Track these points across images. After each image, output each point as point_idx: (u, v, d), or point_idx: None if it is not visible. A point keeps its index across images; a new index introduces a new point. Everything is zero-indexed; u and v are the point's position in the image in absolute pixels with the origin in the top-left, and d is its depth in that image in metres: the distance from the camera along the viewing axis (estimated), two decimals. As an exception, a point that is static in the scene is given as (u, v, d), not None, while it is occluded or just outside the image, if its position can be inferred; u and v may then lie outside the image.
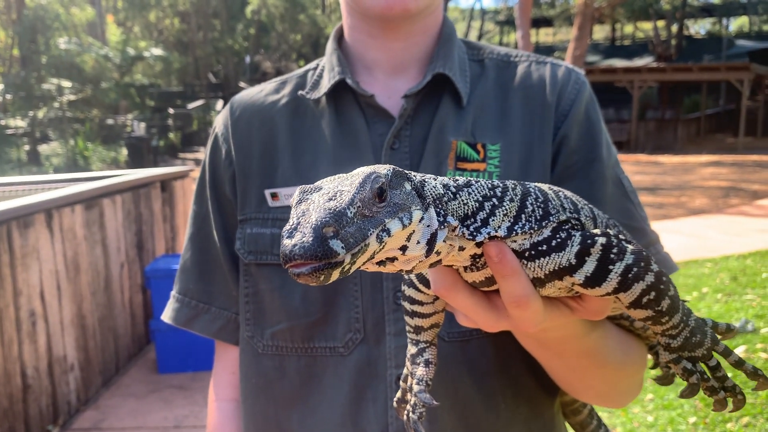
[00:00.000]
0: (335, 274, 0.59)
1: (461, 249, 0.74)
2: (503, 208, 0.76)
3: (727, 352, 0.82)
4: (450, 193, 0.74)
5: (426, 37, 1.27)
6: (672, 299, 0.76)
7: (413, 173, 0.73)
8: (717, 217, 11.74)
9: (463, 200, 0.74)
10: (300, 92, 1.28)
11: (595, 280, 0.74)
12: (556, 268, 0.76)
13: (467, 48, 1.31)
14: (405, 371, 0.97)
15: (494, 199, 0.76)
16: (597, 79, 26.07)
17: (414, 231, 0.67)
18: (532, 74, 1.26)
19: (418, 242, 0.68)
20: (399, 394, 0.98)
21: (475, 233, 0.73)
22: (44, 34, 20.97)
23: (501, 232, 0.75)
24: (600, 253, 0.74)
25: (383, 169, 0.67)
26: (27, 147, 20.90)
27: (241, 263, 1.25)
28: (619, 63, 29.62)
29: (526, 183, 0.82)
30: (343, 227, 0.59)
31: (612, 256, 0.74)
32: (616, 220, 1.04)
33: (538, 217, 0.77)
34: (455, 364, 1.16)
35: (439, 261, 0.74)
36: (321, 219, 0.59)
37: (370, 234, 0.61)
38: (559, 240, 0.76)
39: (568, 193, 0.87)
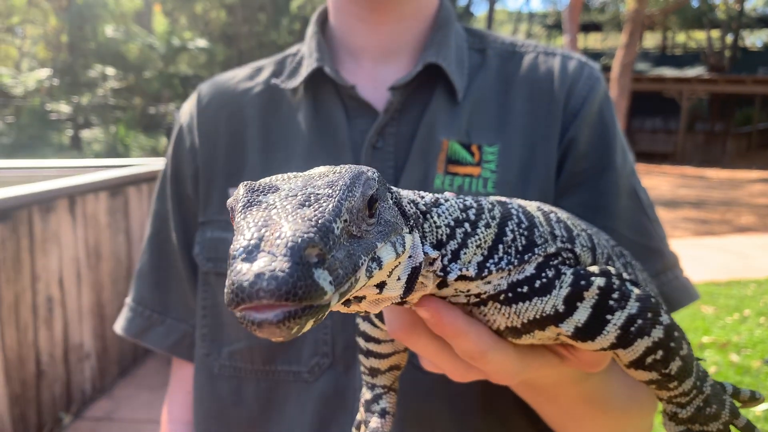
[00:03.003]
0: (310, 324, 0.40)
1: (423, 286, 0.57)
2: (476, 236, 0.59)
3: (749, 428, 0.65)
4: (419, 212, 0.57)
5: (418, 20, 1.11)
6: (684, 360, 0.60)
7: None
8: (764, 236, 11.26)
9: (434, 222, 0.57)
10: (274, 80, 1.13)
11: (588, 332, 0.58)
12: (538, 316, 0.59)
13: (468, 35, 1.15)
14: (359, 417, 0.83)
15: (466, 224, 0.59)
16: (645, 88, 25.51)
17: (399, 263, 0.49)
18: (539, 66, 1.10)
19: (399, 278, 0.51)
20: None
21: (447, 269, 0.56)
22: (92, 22, 21.38)
23: (471, 271, 0.57)
24: (596, 298, 0.58)
25: (367, 170, 0.48)
26: (70, 132, 21.34)
27: (199, 271, 1.11)
28: (669, 72, 28.88)
29: (509, 202, 0.65)
30: (329, 250, 0.40)
31: (611, 302, 0.58)
32: (628, 238, 0.87)
33: (520, 249, 0.61)
34: (434, 400, 1.00)
35: (404, 302, 0.58)
36: (300, 233, 0.39)
37: (362, 264, 0.43)
38: (544, 280, 0.59)
39: (563, 215, 0.70)
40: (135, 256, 5.41)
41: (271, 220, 0.41)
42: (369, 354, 0.79)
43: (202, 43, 21.39)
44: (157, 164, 6.36)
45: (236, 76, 1.20)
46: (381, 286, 0.50)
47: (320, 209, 0.42)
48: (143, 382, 5.11)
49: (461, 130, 1.04)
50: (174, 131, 1.21)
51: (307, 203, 0.43)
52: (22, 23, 32.22)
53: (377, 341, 0.77)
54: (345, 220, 0.43)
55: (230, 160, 1.10)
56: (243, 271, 0.37)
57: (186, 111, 1.20)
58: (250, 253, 0.38)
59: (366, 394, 0.82)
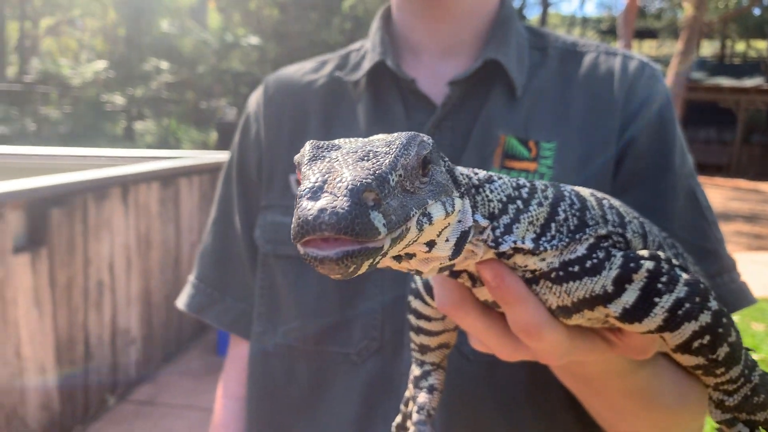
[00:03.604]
0: (366, 266, 0.43)
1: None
2: (529, 213, 0.60)
3: None
4: (473, 185, 0.59)
5: (477, 19, 1.13)
6: (732, 347, 0.60)
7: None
8: (820, 254, 10.87)
9: (486, 197, 0.59)
10: (337, 73, 1.17)
11: (635, 313, 0.59)
12: (588, 295, 0.60)
13: (529, 34, 1.16)
14: (407, 394, 0.85)
15: (519, 201, 0.61)
16: (700, 97, 24.89)
17: (449, 224, 0.52)
18: (600, 66, 1.10)
19: (447, 240, 0.53)
20: (399, 418, 0.85)
21: (499, 240, 0.59)
22: (149, 16, 21.92)
23: (527, 245, 0.59)
24: (645, 281, 0.58)
25: (423, 135, 0.52)
26: (123, 123, 21.93)
27: (259, 253, 1.15)
28: (725, 82, 28.10)
29: (562, 185, 0.66)
30: (385, 197, 0.44)
31: (659, 286, 0.58)
32: (684, 239, 0.87)
33: (572, 228, 0.62)
34: (479, 390, 1.01)
35: (452, 266, 0.60)
36: (360, 179, 0.42)
37: (413, 215, 0.46)
38: (595, 260, 0.60)
39: (615, 203, 0.71)
40: (183, 245, 5.54)
41: (334, 169, 0.45)
42: (419, 331, 0.81)
43: (254, 40, 21.70)
44: (207, 157, 6.49)
45: (302, 68, 1.24)
46: (431, 244, 0.52)
47: (378, 162, 0.45)
48: (186, 369, 5.22)
49: (519, 125, 1.05)
50: (241, 120, 1.26)
51: (365, 158, 0.46)
52: (82, 16, 33.25)
53: (428, 319, 0.79)
54: (400, 175, 0.46)
55: (293, 147, 1.14)
56: (308, 207, 0.41)
57: (253, 101, 1.24)
58: (315, 193, 0.42)
59: (415, 371, 0.84)
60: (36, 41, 33.92)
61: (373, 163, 0.45)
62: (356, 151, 0.47)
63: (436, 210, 0.49)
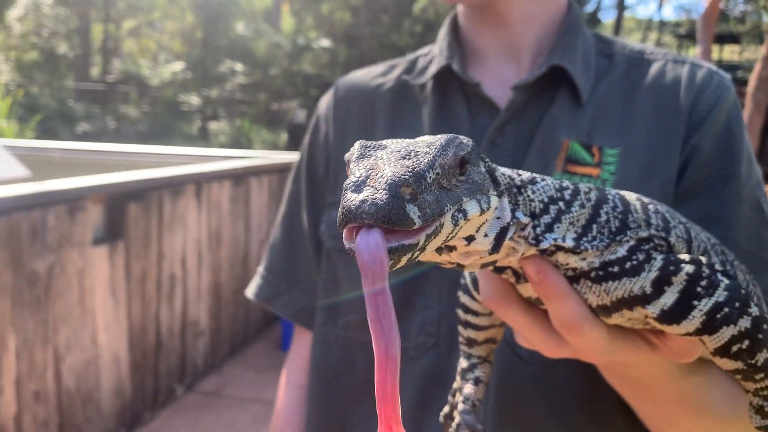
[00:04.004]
0: (404, 260, 0.47)
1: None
2: (570, 214, 0.63)
3: None
4: (515, 186, 0.61)
5: (538, 24, 1.14)
6: None
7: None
8: None
9: (528, 197, 0.62)
10: (404, 77, 1.20)
11: (673, 315, 0.60)
12: (626, 295, 0.62)
13: (597, 41, 1.16)
14: (455, 385, 0.87)
15: (561, 203, 0.63)
16: (784, 105, 23.70)
17: (486, 220, 0.55)
18: (666, 74, 1.09)
19: (486, 235, 0.56)
20: (446, 408, 0.88)
21: (540, 238, 0.61)
22: (225, 19, 22.63)
23: (568, 243, 0.61)
24: (684, 284, 0.59)
25: (463, 138, 0.55)
26: (198, 123, 22.69)
27: (323, 247, 1.19)
28: (813, 89, 26.70)
29: (607, 189, 0.68)
30: (421, 192, 0.47)
31: (699, 289, 0.59)
32: (747, 250, 0.87)
33: (613, 230, 0.63)
34: (534, 391, 1.02)
35: (494, 262, 0.62)
36: (399, 175, 0.46)
37: (447, 210, 0.49)
38: (634, 262, 0.62)
39: (662, 208, 0.71)
40: (252, 242, 5.69)
41: (377, 166, 0.49)
42: (467, 325, 0.83)
43: (325, 43, 22.06)
44: (276, 158, 6.64)
45: (371, 72, 1.28)
46: (469, 239, 0.55)
47: (417, 161, 0.49)
48: (251, 363, 5.36)
49: (583, 131, 1.05)
50: (312, 121, 1.31)
51: (407, 157, 0.50)
52: (161, 19, 34.56)
53: (475, 314, 0.82)
54: (437, 173, 0.50)
55: None
56: (351, 198, 0.46)
57: (324, 103, 1.29)
58: (358, 187, 0.46)
59: (462, 363, 0.86)
60: (118, 43, 35.45)
61: (413, 162, 0.49)
62: (399, 151, 0.51)
63: (471, 207, 0.52)
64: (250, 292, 1.32)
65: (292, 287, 1.27)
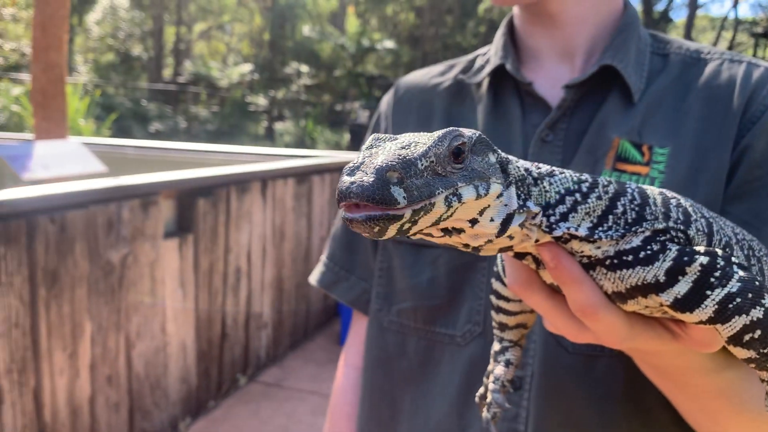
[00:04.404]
0: (392, 230, 0.53)
1: (536, 240, 0.66)
2: (586, 205, 0.66)
3: None
4: (531, 177, 0.66)
5: (590, 25, 1.15)
6: None
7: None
8: None
9: (544, 188, 0.66)
10: (461, 76, 1.24)
11: (686, 303, 0.62)
12: (640, 283, 0.64)
13: (653, 40, 1.17)
14: (489, 367, 0.91)
15: (577, 194, 0.66)
16: None
17: (489, 206, 0.60)
18: (722, 73, 1.08)
19: (492, 219, 0.60)
20: (482, 389, 0.91)
21: (553, 226, 0.65)
22: (292, 21, 23.10)
23: (581, 232, 0.65)
24: (698, 274, 0.62)
25: (465, 130, 0.60)
26: (265, 123, 23.23)
27: None
28: None
29: (627, 183, 0.70)
30: (409, 177, 0.53)
31: (712, 280, 0.61)
32: None
33: (629, 221, 0.66)
34: (575, 380, 1.04)
35: (510, 247, 0.67)
36: (387, 162, 0.53)
37: (438, 193, 0.55)
38: (649, 252, 0.64)
39: (686, 203, 0.73)
40: (314, 238, 5.82)
41: (375, 154, 0.55)
42: (499, 310, 0.87)
43: (389, 44, 22.20)
44: (339, 157, 6.76)
45: (430, 72, 1.32)
46: (473, 221, 0.60)
47: (412, 151, 0.55)
48: (311, 356, 5.48)
49: (634, 129, 1.06)
50: (373, 119, 1.37)
51: (406, 147, 0.56)
52: (231, 21, 35.44)
53: (506, 299, 0.85)
54: (431, 161, 0.55)
55: None
56: (345, 181, 0.53)
57: (385, 101, 1.35)
58: (352, 171, 0.53)
59: (495, 346, 0.90)
60: (189, 45, 36.56)
61: (408, 151, 0.55)
62: (402, 142, 0.57)
63: (467, 191, 0.56)
64: (313, 278, 1.39)
65: (350, 275, 1.33)
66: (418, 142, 0.57)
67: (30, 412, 3.17)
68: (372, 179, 0.51)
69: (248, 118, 22.79)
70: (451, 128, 0.58)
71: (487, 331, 1.11)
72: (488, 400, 0.86)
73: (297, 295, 5.64)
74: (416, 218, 0.53)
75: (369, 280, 1.31)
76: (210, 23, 36.58)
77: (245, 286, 4.88)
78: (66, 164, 4.86)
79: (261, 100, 23.02)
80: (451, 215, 0.57)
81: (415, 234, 0.57)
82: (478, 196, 0.58)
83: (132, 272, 3.72)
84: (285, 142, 20.74)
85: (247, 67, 24.69)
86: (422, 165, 0.54)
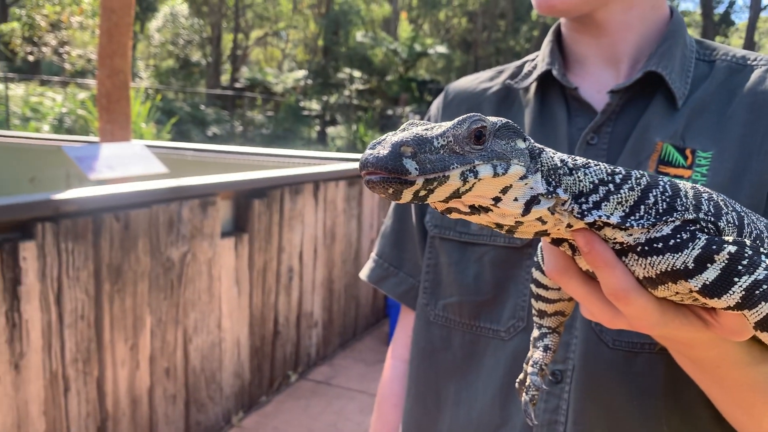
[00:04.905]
0: (407, 194, 0.59)
1: (569, 226, 0.70)
2: (619, 195, 0.70)
3: None
4: (566, 168, 0.70)
5: (635, 33, 1.19)
6: None
7: (534, 142, 0.69)
8: None
9: (578, 178, 0.70)
10: (508, 81, 1.29)
11: (714, 290, 0.66)
12: (669, 269, 0.68)
13: (699, 47, 1.20)
14: (529, 354, 0.95)
15: (611, 185, 0.70)
16: None
17: (511, 186, 0.64)
18: (766, 80, 1.10)
19: (516, 199, 0.65)
20: (522, 375, 0.95)
21: (585, 213, 0.69)
22: (345, 28, 23.42)
23: (613, 219, 0.69)
24: (726, 262, 0.65)
25: (493, 118, 0.66)
26: (318, 127, 23.56)
27: (428, 235, 1.30)
28: None
29: (660, 177, 0.74)
30: (423, 152, 0.59)
31: (740, 267, 0.65)
32: None
33: (660, 212, 0.70)
34: (615, 375, 1.06)
35: (546, 232, 0.71)
36: (402, 138, 0.59)
37: (453, 168, 0.60)
38: (678, 240, 0.68)
39: (718, 197, 0.76)
40: (363, 240, 5.91)
41: (396, 134, 0.61)
42: (538, 298, 0.91)
43: (441, 49, 22.21)
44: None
45: (479, 77, 1.37)
46: (496, 200, 0.64)
47: (430, 131, 0.61)
48: (360, 356, 5.56)
49: (677, 134, 1.09)
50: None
51: (428, 130, 0.62)
52: (286, 28, 36.04)
53: (545, 288, 0.89)
54: (449, 140, 0.61)
55: None
56: (366, 153, 0.60)
57: (434, 105, 1.40)
58: (373, 147, 0.60)
59: (534, 333, 0.94)
60: (246, 51, 37.32)
61: (427, 132, 0.61)
62: (427, 126, 0.63)
63: (484, 169, 0.62)
64: (363, 274, 1.45)
65: (399, 270, 1.39)
66: (441, 125, 0.63)
67: (93, 400, 3.34)
68: (387, 151, 0.58)
69: (302, 123, 23.15)
70: (472, 114, 0.64)
71: (530, 327, 1.13)
72: (527, 383, 0.90)
73: (347, 295, 5.74)
74: (430, 187, 0.59)
75: (416, 276, 1.36)
76: (266, 30, 37.28)
77: (297, 285, 5.00)
78: (130, 165, 5.09)
79: (314, 105, 23.37)
80: (469, 189, 0.62)
81: (436, 205, 0.63)
82: (496, 175, 0.62)
83: (191, 269, 3.87)
84: (337, 146, 21.00)
85: (301, 73, 25.12)
86: (438, 143, 0.60)
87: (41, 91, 21.04)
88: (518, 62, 1.36)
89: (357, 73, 22.32)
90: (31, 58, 19.26)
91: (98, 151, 5.09)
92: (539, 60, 1.26)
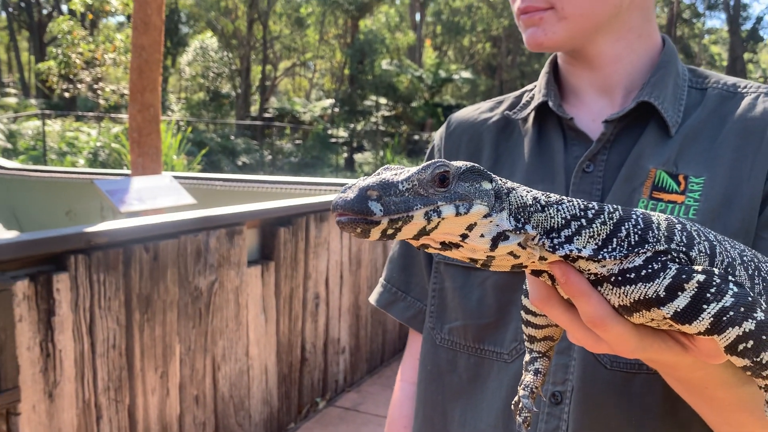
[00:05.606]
0: (374, 233, 0.64)
1: (543, 259, 0.74)
2: (591, 229, 0.74)
3: None
4: (538, 205, 0.74)
5: (627, 64, 1.23)
6: None
7: (505, 180, 0.74)
8: None
9: (549, 214, 0.74)
10: (507, 112, 1.33)
11: (685, 316, 0.69)
12: (642, 297, 0.71)
13: (692, 75, 1.24)
14: (522, 377, 0.98)
15: (583, 220, 0.74)
16: None
17: (476, 223, 0.69)
18: (757, 106, 1.14)
19: (482, 236, 0.69)
20: (516, 398, 0.98)
21: (557, 247, 0.73)
22: (371, 56, 23.76)
23: (585, 253, 0.73)
24: (695, 290, 0.69)
25: (459, 163, 0.70)
26: (345, 154, 23.81)
27: (433, 261, 1.34)
28: None
29: (633, 210, 0.78)
30: (388, 195, 0.64)
31: (708, 295, 0.68)
32: None
33: (632, 244, 0.73)
34: (612, 395, 1.09)
35: (521, 265, 0.75)
36: (369, 183, 0.65)
37: (416, 208, 0.65)
38: (650, 270, 0.71)
39: (692, 227, 0.80)
40: (389, 267, 5.95)
41: (365, 179, 0.67)
42: (528, 324, 0.94)
43: (466, 74, 22.36)
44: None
45: (480, 107, 1.42)
46: (463, 236, 0.69)
47: (396, 176, 0.67)
48: (388, 382, 5.56)
49: (670, 160, 1.12)
50: (428, 151, 1.48)
51: (395, 175, 0.67)
52: (313, 58, 36.64)
53: (533, 314, 0.92)
54: (414, 184, 0.66)
55: None
56: (336, 197, 0.65)
57: (438, 135, 1.45)
58: (344, 191, 0.65)
59: (526, 357, 0.97)
60: (274, 82, 37.99)
61: (393, 176, 0.67)
62: (396, 170, 0.69)
63: (447, 209, 0.66)
64: (372, 299, 1.49)
65: (407, 295, 1.42)
66: (409, 170, 0.69)
67: (125, 428, 3.41)
68: (354, 195, 0.64)
69: (329, 150, 23.44)
70: (437, 160, 0.69)
71: None
72: (520, 405, 0.94)
73: (373, 321, 5.77)
74: (396, 226, 0.65)
75: (424, 300, 1.39)
76: (294, 61, 37.93)
77: (323, 311, 5.05)
78: (159, 197, 5.23)
79: (341, 133, 23.66)
80: (435, 227, 0.67)
81: (411, 241, 0.68)
82: (458, 214, 0.67)
83: (218, 298, 3.95)
84: (365, 172, 21.19)
85: (328, 102, 25.50)
86: (403, 187, 0.66)
87: (77, 126, 21.70)
88: (517, 93, 1.40)
89: (383, 100, 22.58)
90: (67, 94, 19.88)
91: (129, 184, 5.25)
92: (536, 91, 1.31)
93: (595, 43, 1.21)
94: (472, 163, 0.71)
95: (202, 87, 31.36)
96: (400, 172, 0.69)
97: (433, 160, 0.70)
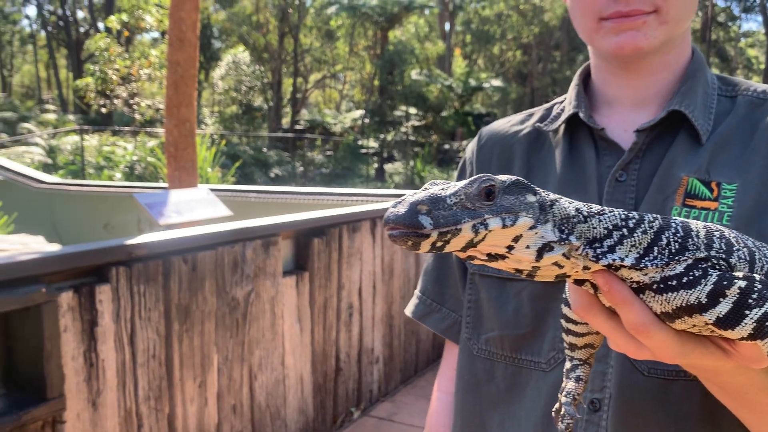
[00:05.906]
0: (425, 245, 0.67)
1: (586, 268, 0.76)
2: (632, 238, 0.75)
3: None
4: (581, 216, 0.76)
5: (668, 73, 1.23)
6: None
7: (548, 193, 0.75)
8: None
9: (592, 225, 0.76)
10: (538, 124, 1.34)
11: (727, 322, 0.70)
12: (684, 304, 0.73)
13: (721, 83, 1.24)
14: (563, 384, 0.99)
15: (624, 230, 0.76)
16: None
17: (522, 235, 0.71)
18: None
19: (528, 247, 0.71)
20: (557, 405, 0.99)
21: (600, 256, 0.75)
22: (400, 67, 23.88)
23: (627, 262, 0.74)
24: (737, 296, 0.70)
25: (504, 177, 0.73)
26: (375, 165, 23.92)
27: (468, 272, 1.36)
28: None
29: (672, 219, 0.79)
30: (437, 209, 0.67)
31: (750, 301, 0.69)
32: None
33: (673, 252, 0.75)
34: (650, 402, 1.09)
35: (565, 274, 0.77)
36: (418, 198, 0.68)
37: (464, 221, 0.67)
38: (691, 277, 0.73)
39: (730, 234, 0.81)
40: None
41: (415, 194, 0.70)
42: (568, 332, 0.96)
43: (496, 82, 22.31)
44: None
45: (511, 120, 1.43)
46: (509, 248, 0.71)
47: (445, 191, 0.69)
48: (422, 392, 5.56)
49: (702, 168, 1.13)
50: (460, 164, 1.49)
51: (444, 189, 0.70)
52: (343, 70, 36.92)
53: (574, 322, 0.94)
54: (461, 198, 0.68)
55: None
56: (388, 212, 0.67)
57: (469, 148, 1.47)
58: (395, 206, 0.68)
59: (567, 365, 0.99)
60: (305, 94, 38.35)
61: (442, 192, 0.69)
62: (443, 186, 0.71)
63: (494, 221, 0.69)
64: (408, 310, 1.51)
65: (442, 306, 1.43)
66: (457, 185, 0.71)
67: (165, 436, 3.47)
68: (404, 210, 0.67)
69: (360, 161, 23.58)
70: (482, 174, 0.72)
71: None
72: (562, 412, 0.95)
73: (407, 331, 5.78)
74: (445, 239, 0.67)
75: (459, 311, 1.40)
76: (324, 73, 38.27)
77: (357, 321, 5.08)
78: (196, 210, 5.33)
79: (372, 143, 23.76)
80: (482, 239, 0.69)
81: (458, 253, 0.71)
82: (505, 226, 0.70)
83: (255, 308, 4.01)
84: (395, 182, 21.27)
85: (358, 113, 25.68)
86: (451, 201, 0.69)
87: (113, 140, 22.19)
88: (547, 105, 1.41)
89: (413, 110, 22.65)
90: (104, 110, 20.38)
91: (167, 197, 5.37)
92: (567, 103, 1.31)
93: (669, 48, 1.21)
94: (516, 177, 0.74)
95: (235, 100, 31.82)
96: (447, 186, 0.71)
97: (478, 175, 0.72)
